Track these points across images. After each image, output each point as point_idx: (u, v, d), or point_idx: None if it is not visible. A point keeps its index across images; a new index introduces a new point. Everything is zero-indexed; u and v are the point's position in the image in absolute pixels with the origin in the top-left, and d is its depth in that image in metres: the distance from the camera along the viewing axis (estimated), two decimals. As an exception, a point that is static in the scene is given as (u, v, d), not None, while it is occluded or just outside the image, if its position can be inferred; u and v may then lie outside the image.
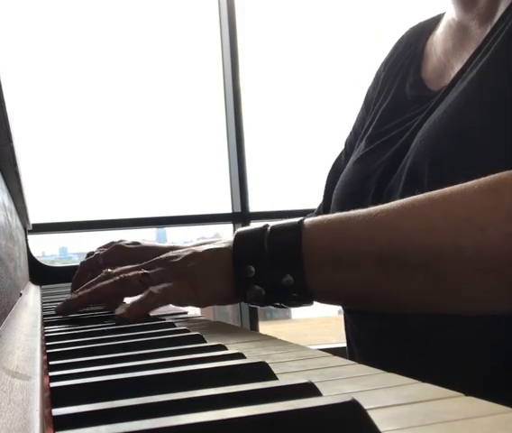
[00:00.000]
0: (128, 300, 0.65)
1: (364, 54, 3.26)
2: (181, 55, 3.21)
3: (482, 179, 0.51)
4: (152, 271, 0.64)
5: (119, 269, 0.67)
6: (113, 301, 0.68)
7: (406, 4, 3.33)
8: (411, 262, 0.53)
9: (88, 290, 0.67)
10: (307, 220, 0.59)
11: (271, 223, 0.60)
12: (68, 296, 0.71)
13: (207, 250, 0.62)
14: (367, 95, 0.88)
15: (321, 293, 0.58)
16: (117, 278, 0.65)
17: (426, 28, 0.83)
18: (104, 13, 3.12)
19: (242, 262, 0.59)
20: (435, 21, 0.82)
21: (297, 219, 0.59)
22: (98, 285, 0.66)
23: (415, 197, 0.54)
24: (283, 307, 0.60)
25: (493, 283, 0.51)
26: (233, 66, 2.91)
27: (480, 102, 0.62)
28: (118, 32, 3.15)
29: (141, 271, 0.64)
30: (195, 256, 0.62)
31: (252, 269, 0.58)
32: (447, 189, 0.53)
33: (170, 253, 0.65)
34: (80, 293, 0.67)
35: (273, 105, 3.36)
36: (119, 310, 0.60)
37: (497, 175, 0.51)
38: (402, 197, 0.63)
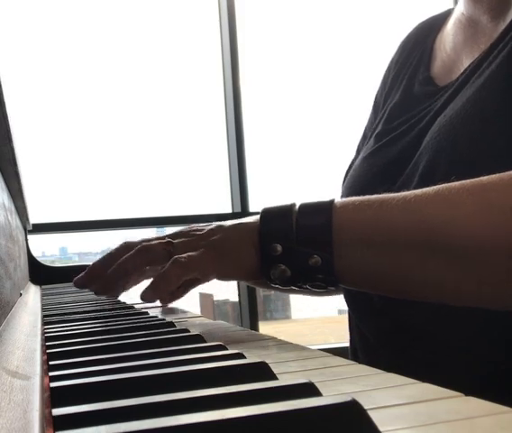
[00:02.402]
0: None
1: (364, 54, 3.26)
2: (181, 55, 3.20)
3: None
4: (176, 240, 0.62)
5: (140, 239, 0.65)
6: (136, 276, 0.66)
7: (407, 3, 3.32)
8: (444, 251, 0.52)
9: (111, 270, 0.64)
10: (338, 201, 0.57)
11: (299, 201, 0.59)
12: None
13: (233, 224, 0.61)
14: (375, 99, 0.87)
15: (348, 276, 0.57)
16: (139, 247, 0.63)
17: (435, 24, 0.82)
18: (104, 13, 3.12)
19: (269, 240, 0.57)
20: (444, 17, 0.81)
21: (327, 199, 0.58)
22: (120, 260, 0.63)
23: (449, 184, 0.53)
24: (306, 289, 0.58)
25: None
26: (233, 66, 2.91)
27: (501, 98, 0.60)
28: (118, 32, 3.15)
29: (164, 240, 0.62)
30: (220, 229, 0.61)
31: (279, 247, 0.57)
32: (483, 178, 0.51)
33: (194, 226, 0.64)
34: (105, 278, 0.64)
35: (273, 105, 3.36)
36: (143, 292, 0.59)
37: None
38: None
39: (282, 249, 0.57)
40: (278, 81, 3.36)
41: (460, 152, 0.61)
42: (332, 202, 0.57)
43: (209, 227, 0.62)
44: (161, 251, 0.62)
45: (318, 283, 0.57)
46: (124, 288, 0.68)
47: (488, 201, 0.51)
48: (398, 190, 0.66)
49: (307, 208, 0.58)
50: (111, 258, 0.66)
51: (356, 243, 0.55)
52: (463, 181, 0.52)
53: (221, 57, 2.99)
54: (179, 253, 0.60)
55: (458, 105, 0.64)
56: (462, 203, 0.51)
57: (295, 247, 0.56)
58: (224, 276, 0.63)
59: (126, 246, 0.65)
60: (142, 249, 0.63)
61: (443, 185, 0.53)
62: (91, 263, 0.70)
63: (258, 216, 0.60)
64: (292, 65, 3.36)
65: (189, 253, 0.59)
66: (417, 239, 0.53)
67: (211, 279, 0.64)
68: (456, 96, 0.66)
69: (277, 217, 0.59)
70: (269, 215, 0.59)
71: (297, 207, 0.59)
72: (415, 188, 0.63)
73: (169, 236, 0.64)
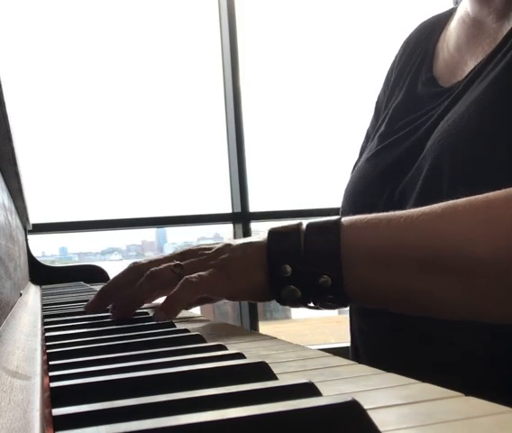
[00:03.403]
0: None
1: (365, 54, 3.26)
2: (181, 55, 3.20)
3: None
4: (185, 261, 0.62)
5: (148, 260, 0.65)
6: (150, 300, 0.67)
7: (408, 3, 3.33)
8: (450, 269, 0.52)
9: (122, 300, 0.63)
10: (345, 219, 0.57)
11: (305, 221, 0.59)
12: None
13: (241, 244, 0.61)
14: (377, 99, 0.87)
15: (358, 295, 0.57)
16: (148, 273, 0.62)
17: (438, 24, 0.81)
18: (104, 13, 3.12)
19: (278, 262, 0.57)
20: (447, 16, 0.81)
21: (333, 218, 0.58)
22: (131, 290, 0.63)
23: (455, 201, 0.53)
24: (317, 308, 0.58)
25: None
26: (233, 66, 2.91)
27: (503, 102, 0.60)
28: (118, 32, 3.15)
29: (173, 263, 0.62)
30: (228, 249, 0.61)
31: (288, 269, 0.57)
32: (490, 195, 0.51)
33: (202, 245, 0.63)
34: (118, 306, 0.63)
35: (273, 105, 3.36)
36: (156, 313, 0.59)
37: None
38: (419, 197, 0.61)
39: (292, 270, 0.57)
40: (279, 81, 3.36)
41: (462, 155, 0.61)
42: (339, 221, 0.57)
43: (217, 247, 0.62)
44: (170, 274, 0.61)
45: (329, 303, 0.57)
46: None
47: (494, 218, 0.50)
48: (401, 193, 0.67)
49: (314, 228, 0.58)
50: (120, 281, 0.65)
51: (365, 262, 0.55)
52: (469, 198, 0.52)
53: (221, 57, 2.99)
54: (188, 273, 0.60)
55: (461, 109, 0.64)
56: (468, 221, 0.51)
57: (304, 268, 0.56)
58: (233, 296, 0.63)
59: (134, 268, 0.65)
60: (151, 275, 0.62)
61: (449, 202, 0.53)
62: (100, 288, 0.70)
63: (265, 236, 0.60)
64: (292, 65, 3.36)
65: (199, 273, 0.59)
66: (425, 257, 0.53)
67: (221, 299, 0.64)
68: (459, 100, 0.66)
69: (284, 238, 0.58)
70: (276, 235, 0.59)
71: (304, 226, 0.58)
72: (418, 192, 0.63)
73: (177, 256, 0.63)
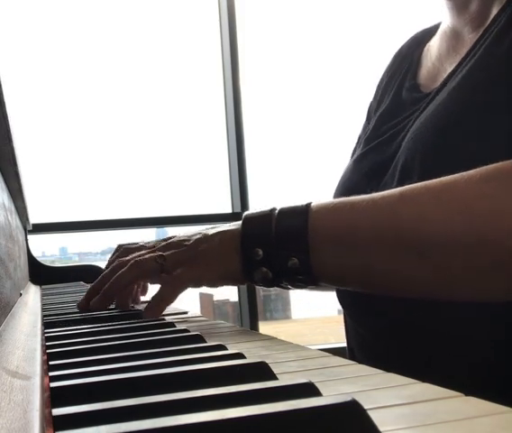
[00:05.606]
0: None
1: (364, 55, 3.26)
2: (181, 55, 3.20)
3: (483, 169, 0.53)
4: (167, 252, 0.65)
5: (132, 255, 0.68)
6: (131, 290, 0.70)
7: (407, 4, 3.33)
8: (407, 247, 0.55)
9: (107, 284, 0.67)
10: (314, 204, 0.61)
11: (279, 206, 0.62)
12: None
13: (217, 232, 0.65)
14: (369, 108, 0.90)
15: (325, 276, 0.60)
16: (132, 262, 0.66)
17: (426, 36, 0.85)
18: (104, 13, 3.12)
19: (250, 246, 0.61)
20: (435, 28, 0.84)
21: (303, 203, 0.61)
22: (115, 276, 0.66)
23: (414, 184, 0.56)
24: (289, 288, 0.62)
25: (486, 270, 0.52)
26: (233, 66, 2.91)
27: (464, 102, 0.64)
28: (118, 32, 3.15)
29: (156, 253, 0.65)
30: (205, 239, 0.64)
31: (260, 252, 0.60)
32: (446, 178, 0.54)
33: (181, 237, 0.67)
34: (103, 290, 0.67)
35: (273, 104, 3.36)
36: (143, 313, 0.62)
37: (498, 164, 0.53)
38: None
39: (263, 253, 0.60)
40: (279, 81, 3.36)
41: (429, 152, 0.64)
42: (308, 206, 0.60)
43: (195, 237, 0.65)
44: (153, 264, 0.65)
45: (299, 283, 0.61)
46: (121, 301, 0.70)
47: (445, 199, 0.54)
48: (382, 190, 0.69)
49: (285, 213, 0.61)
50: (108, 279, 0.68)
51: (330, 244, 0.58)
52: (427, 182, 0.56)
53: (221, 57, 2.98)
54: (170, 264, 0.64)
55: (431, 109, 0.67)
56: (423, 201, 0.55)
57: (274, 251, 0.60)
58: (213, 283, 0.66)
59: (121, 265, 0.67)
60: (135, 264, 0.66)
61: (408, 186, 0.57)
62: (89, 286, 0.72)
63: (240, 222, 0.64)
64: (292, 65, 3.36)
65: (178, 271, 0.63)
66: (384, 237, 0.56)
67: (202, 286, 0.66)
68: (432, 102, 0.69)
69: (257, 223, 0.62)
70: (250, 220, 0.63)
71: (277, 211, 0.62)
72: (395, 187, 0.66)
73: (159, 247, 0.67)
